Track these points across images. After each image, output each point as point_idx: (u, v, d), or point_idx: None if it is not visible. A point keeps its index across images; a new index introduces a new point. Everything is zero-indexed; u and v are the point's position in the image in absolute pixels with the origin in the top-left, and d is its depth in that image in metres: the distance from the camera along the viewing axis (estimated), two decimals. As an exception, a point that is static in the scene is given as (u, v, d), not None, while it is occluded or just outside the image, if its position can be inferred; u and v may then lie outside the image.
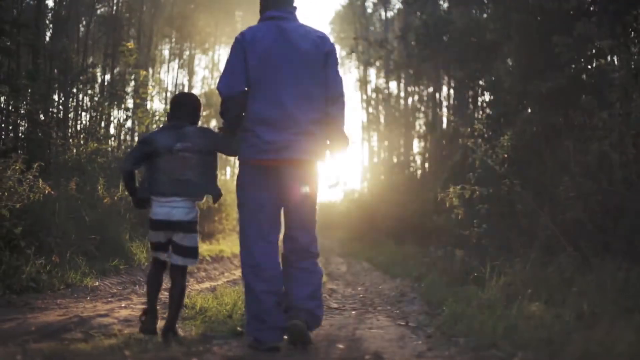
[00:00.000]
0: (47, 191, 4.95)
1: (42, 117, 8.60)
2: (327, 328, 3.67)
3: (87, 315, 3.53)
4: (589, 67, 6.14)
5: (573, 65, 6.33)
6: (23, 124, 8.76)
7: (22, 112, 8.51)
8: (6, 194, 4.60)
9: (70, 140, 8.45)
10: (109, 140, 9.71)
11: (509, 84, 8.39)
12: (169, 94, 16.22)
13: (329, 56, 2.98)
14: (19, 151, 7.16)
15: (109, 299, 4.65)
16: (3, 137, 8.01)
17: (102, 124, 10.86)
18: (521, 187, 4.80)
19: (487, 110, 12.13)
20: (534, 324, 2.72)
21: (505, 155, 4.85)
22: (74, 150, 7.77)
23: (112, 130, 11.42)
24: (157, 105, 15.92)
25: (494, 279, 3.88)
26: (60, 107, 9.68)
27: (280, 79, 2.89)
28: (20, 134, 8.44)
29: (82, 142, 7.90)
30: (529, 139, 6.54)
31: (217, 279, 7.28)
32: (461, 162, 10.53)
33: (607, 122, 4.16)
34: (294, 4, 3.11)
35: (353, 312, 4.59)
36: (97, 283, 5.30)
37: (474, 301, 3.68)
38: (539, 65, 7.41)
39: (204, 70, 19.13)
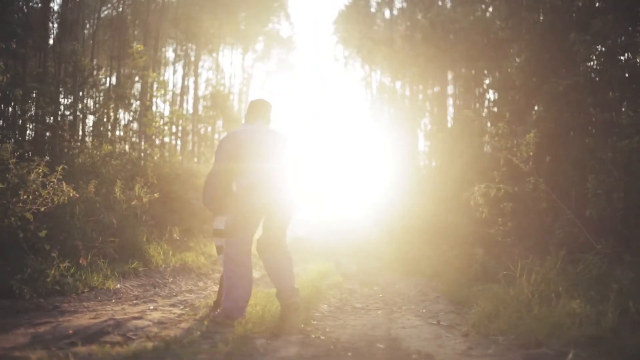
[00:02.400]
0: (71, 194, 4.93)
1: (51, 120, 8.59)
2: (360, 328, 3.67)
3: (121, 318, 3.52)
4: (606, 64, 6.13)
5: (589, 63, 6.34)
6: (31, 127, 8.74)
7: (31, 114, 8.50)
8: (30, 197, 4.58)
9: (79, 143, 8.43)
10: (121, 143, 9.66)
11: (520, 82, 8.39)
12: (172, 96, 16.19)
13: (288, 146, 4.15)
14: (28, 153, 7.14)
15: (134, 302, 4.63)
16: (11, 140, 7.98)
17: (109, 127, 10.85)
18: (545, 184, 4.79)
19: (494, 109, 12.17)
20: (578, 321, 2.71)
21: (531, 153, 4.84)
22: (86, 153, 7.74)
23: (118, 132, 11.42)
24: (162, 106, 15.94)
25: (523, 277, 3.86)
26: (70, 109, 9.67)
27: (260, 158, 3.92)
28: (27, 138, 8.42)
29: (95, 144, 7.85)
30: (543, 136, 6.55)
31: (233, 280, 7.26)
32: (471, 160, 10.53)
33: (635, 119, 4.15)
34: (270, 120, 4.24)
35: (379, 312, 4.59)
36: (118, 286, 5.28)
37: (506, 299, 3.67)
38: (552, 63, 7.42)
39: (208, 72, 19.06)
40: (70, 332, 3.09)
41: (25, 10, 9.81)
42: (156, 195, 6.66)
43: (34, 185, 4.64)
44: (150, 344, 2.77)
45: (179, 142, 15.12)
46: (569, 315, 2.86)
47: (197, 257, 7.93)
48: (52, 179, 4.81)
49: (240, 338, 3.03)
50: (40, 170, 4.77)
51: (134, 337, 3.03)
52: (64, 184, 4.88)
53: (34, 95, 8.67)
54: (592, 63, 6.92)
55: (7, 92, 7.31)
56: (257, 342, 2.92)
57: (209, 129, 17.58)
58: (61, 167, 4.94)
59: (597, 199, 4.32)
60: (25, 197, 4.54)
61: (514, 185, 5.20)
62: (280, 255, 3.77)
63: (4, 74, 7.62)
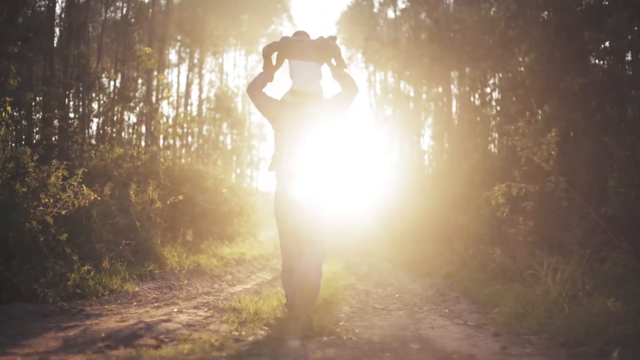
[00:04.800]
0: (93, 197, 4.93)
1: (57, 123, 8.59)
2: (388, 328, 3.66)
3: (150, 321, 3.50)
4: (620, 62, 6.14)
5: (602, 62, 6.35)
6: (36, 130, 8.73)
7: (39, 117, 8.50)
8: (51, 200, 4.58)
9: (91, 145, 8.43)
10: (130, 146, 9.67)
11: (530, 81, 8.38)
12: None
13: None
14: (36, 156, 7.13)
15: (155, 304, 4.63)
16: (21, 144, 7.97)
17: (115, 129, 10.84)
18: (567, 183, 4.80)
19: (497, 108, 12.17)
20: (614, 320, 2.71)
21: (552, 152, 4.85)
22: (98, 156, 7.73)
23: (124, 135, 11.42)
24: (166, 108, 15.93)
25: (548, 276, 3.86)
26: (79, 112, 9.67)
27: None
28: (33, 141, 8.41)
29: (107, 147, 7.85)
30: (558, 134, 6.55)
31: (246, 282, 7.27)
32: (479, 161, 10.53)
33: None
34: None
35: (401, 312, 4.58)
36: (137, 288, 5.28)
37: (533, 299, 3.67)
38: (563, 62, 7.41)
39: (211, 74, 19.07)
40: (103, 335, 3.08)
41: (29, 14, 9.81)
42: (181, 197, 6.67)
43: (54, 189, 4.64)
44: (187, 347, 2.76)
45: (182, 143, 15.13)
46: (603, 314, 2.86)
47: (210, 259, 7.94)
48: (73, 182, 4.81)
49: (273, 339, 3.03)
50: (60, 174, 4.77)
51: (166, 340, 3.03)
52: (84, 187, 4.88)
53: (41, 98, 8.68)
54: (604, 62, 6.94)
55: (19, 96, 7.29)
56: (291, 343, 2.92)
57: (213, 131, 17.60)
58: (82, 170, 4.95)
59: (619, 197, 4.33)
60: (46, 200, 4.54)
61: (531, 184, 5.20)
62: (314, 279, 3.91)
63: (15, 77, 7.63)
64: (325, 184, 4.04)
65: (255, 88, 4.01)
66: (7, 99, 5.01)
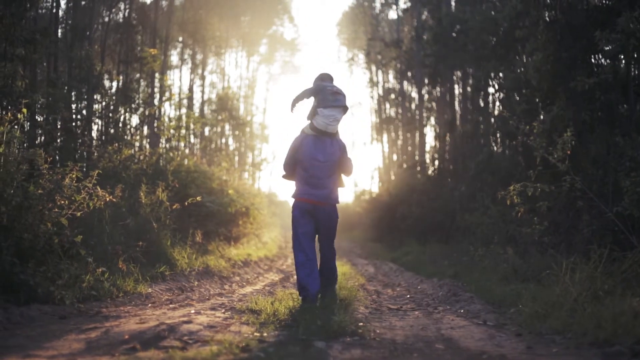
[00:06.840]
0: (107, 199, 4.92)
1: (59, 124, 8.57)
2: (409, 329, 3.66)
3: (172, 322, 3.49)
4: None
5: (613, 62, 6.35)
6: (39, 132, 8.72)
7: (43, 119, 8.47)
8: (66, 202, 4.56)
9: (99, 147, 8.41)
10: (136, 147, 9.64)
11: (536, 81, 8.39)
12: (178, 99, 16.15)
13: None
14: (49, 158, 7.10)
15: (171, 306, 4.62)
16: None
17: (119, 130, 10.82)
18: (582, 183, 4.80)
19: (500, 107, 12.15)
20: (641, 319, 2.71)
21: (568, 152, 4.85)
22: (107, 157, 7.71)
23: (127, 136, 11.39)
24: (169, 110, 15.92)
25: (567, 275, 3.86)
26: (82, 113, 9.66)
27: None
28: (36, 142, 8.37)
29: (115, 148, 7.82)
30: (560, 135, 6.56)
31: (255, 283, 7.25)
32: (484, 161, 10.53)
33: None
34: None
35: (417, 312, 4.58)
36: (149, 290, 5.27)
37: (552, 299, 3.67)
38: (570, 62, 7.42)
39: (212, 75, 19.07)
40: (126, 337, 3.06)
41: (31, 17, 9.79)
42: (199, 198, 6.67)
43: (69, 191, 4.62)
44: (214, 348, 2.75)
45: (186, 144, 15.12)
46: (628, 313, 2.86)
47: (218, 261, 7.92)
48: (87, 184, 4.80)
49: (297, 340, 3.02)
50: (74, 175, 4.75)
51: (190, 342, 3.02)
52: (99, 189, 4.87)
53: (45, 100, 8.66)
54: (612, 62, 6.95)
55: (27, 99, 7.27)
56: (316, 344, 2.91)
57: (215, 132, 17.59)
58: (96, 171, 4.93)
59: (634, 196, 4.34)
60: (61, 202, 4.53)
61: (545, 184, 5.20)
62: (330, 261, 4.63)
63: (23, 79, 7.61)
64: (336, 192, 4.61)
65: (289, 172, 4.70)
66: (23, 100, 4.97)
